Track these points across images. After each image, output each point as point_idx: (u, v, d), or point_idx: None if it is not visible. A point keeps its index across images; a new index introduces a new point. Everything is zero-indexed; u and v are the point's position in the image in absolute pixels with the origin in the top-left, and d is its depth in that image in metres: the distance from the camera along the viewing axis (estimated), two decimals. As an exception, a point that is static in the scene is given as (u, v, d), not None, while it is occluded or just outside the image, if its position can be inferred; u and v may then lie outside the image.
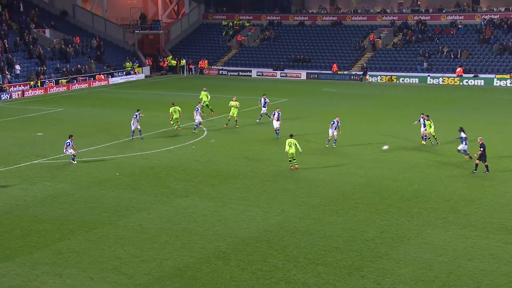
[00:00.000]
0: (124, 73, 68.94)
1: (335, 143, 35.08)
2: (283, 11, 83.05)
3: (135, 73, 70.09)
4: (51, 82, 60.06)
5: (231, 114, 41.65)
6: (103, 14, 78.81)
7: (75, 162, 31.68)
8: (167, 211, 24.82)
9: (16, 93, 55.58)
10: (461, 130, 32.08)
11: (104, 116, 42.83)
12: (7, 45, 61.21)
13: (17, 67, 59.35)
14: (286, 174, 30.20)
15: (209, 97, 45.66)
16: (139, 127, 37.13)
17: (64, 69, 63.22)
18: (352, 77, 68.85)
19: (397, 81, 67.45)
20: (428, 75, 66.69)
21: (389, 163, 32.04)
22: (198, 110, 39.88)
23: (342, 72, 69.91)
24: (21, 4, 70.43)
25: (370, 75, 68.33)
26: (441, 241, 21.50)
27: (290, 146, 30.20)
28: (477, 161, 29.59)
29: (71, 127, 41.18)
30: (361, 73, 68.57)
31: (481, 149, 29.30)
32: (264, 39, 78.48)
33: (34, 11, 70.21)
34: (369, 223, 23.36)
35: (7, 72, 57.73)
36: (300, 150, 30.73)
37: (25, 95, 56.05)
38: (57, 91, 59.13)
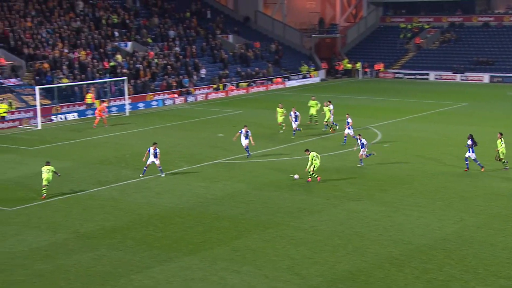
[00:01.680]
0: (300, 76, 70.24)
1: (361, 162, 31.98)
2: (466, 12, 79.45)
3: (311, 77, 71.06)
4: (232, 85, 62.82)
5: (326, 118, 40.67)
6: (283, 19, 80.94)
7: (163, 175, 30.57)
8: (339, 214, 24.95)
9: (201, 95, 58.83)
10: (470, 137, 30.10)
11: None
12: (194, 50, 65.12)
13: (203, 71, 62.87)
14: (463, 181, 29.01)
15: (318, 106, 43.39)
16: (246, 144, 34.01)
17: (244, 73, 65.84)
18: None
19: None
20: None
21: None
22: (291, 115, 39.20)
23: (529, 75, 65.51)
24: (208, 11, 74.56)
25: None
26: None
27: (314, 159, 29.05)
28: None
29: (248, 128, 42.78)
30: None
31: None
32: (444, 42, 75.78)
33: (220, 18, 73.95)
34: (557, 237, 21.72)
35: (194, 77, 61.38)
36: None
37: (208, 98, 59.17)
38: (237, 94, 61.70)
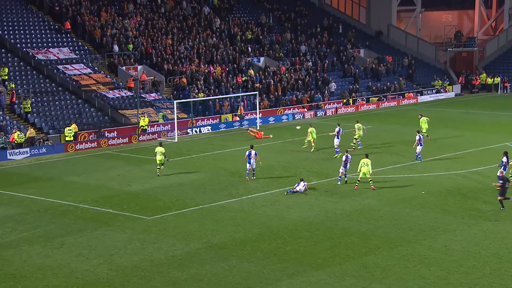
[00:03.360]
0: (433, 91, 68.29)
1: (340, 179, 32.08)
2: None
3: (445, 92, 68.88)
4: (363, 100, 62.27)
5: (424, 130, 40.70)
6: (417, 33, 79.26)
7: (253, 178, 33.03)
8: (474, 235, 24.01)
9: (330, 110, 58.82)
10: (505, 154, 29.39)
11: (412, 134, 42.80)
12: (325, 65, 65.37)
13: (332, 85, 62.87)
14: None
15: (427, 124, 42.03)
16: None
17: (374, 87, 65.07)
18: None
19: None
20: None
21: None
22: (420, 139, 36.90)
23: None
24: (340, 26, 74.61)
25: None
26: None
27: (362, 166, 30.34)
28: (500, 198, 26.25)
29: (378, 143, 42.24)
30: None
31: (501, 181, 26.29)
32: None
33: (351, 32, 73.71)
34: None
35: (326, 92, 61.55)
36: (370, 171, 30.33)
37: (338, 112, 59.03)
38: (367, 108, 61.04)
